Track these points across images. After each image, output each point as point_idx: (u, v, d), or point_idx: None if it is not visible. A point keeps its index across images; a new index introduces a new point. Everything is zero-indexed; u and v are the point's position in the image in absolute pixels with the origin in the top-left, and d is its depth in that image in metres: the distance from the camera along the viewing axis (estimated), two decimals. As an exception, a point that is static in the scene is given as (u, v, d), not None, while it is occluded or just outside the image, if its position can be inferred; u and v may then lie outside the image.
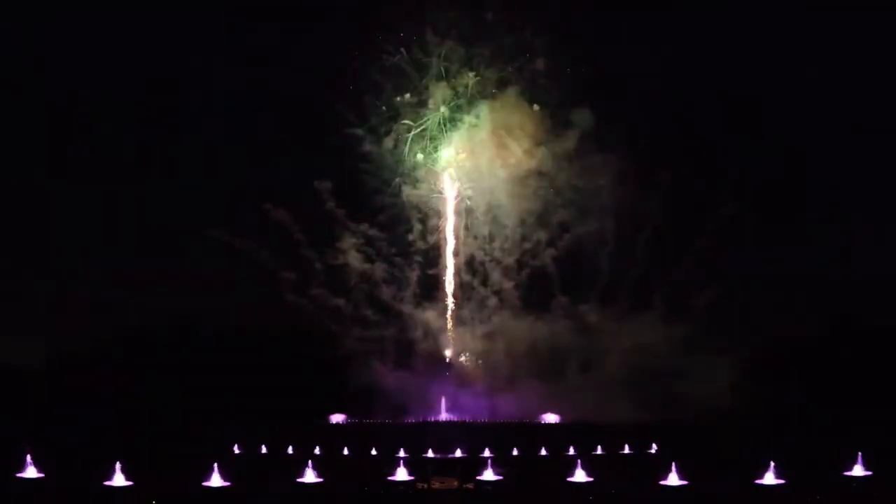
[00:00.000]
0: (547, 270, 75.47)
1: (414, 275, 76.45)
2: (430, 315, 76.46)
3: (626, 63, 70.33)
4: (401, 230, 76.18)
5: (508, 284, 75.82)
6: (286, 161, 72.24)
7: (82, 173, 74.96)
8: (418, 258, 76.49)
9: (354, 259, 75.20)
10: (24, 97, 72.61)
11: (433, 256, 77.05)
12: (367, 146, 74.68)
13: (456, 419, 67.03)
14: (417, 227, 76.39)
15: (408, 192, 75.37)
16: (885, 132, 72.54)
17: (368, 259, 75.65)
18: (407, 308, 76.20)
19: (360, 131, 74.37)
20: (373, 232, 75.52)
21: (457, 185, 76.70)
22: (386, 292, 75.86)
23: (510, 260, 75.96)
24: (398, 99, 74.74)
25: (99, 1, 72.97)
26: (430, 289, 76.94)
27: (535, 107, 74.09)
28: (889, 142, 73.14)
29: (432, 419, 66.63)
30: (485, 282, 76.43)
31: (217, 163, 75.19)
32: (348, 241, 75.02)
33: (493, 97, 74.79)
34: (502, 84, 74.63)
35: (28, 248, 74.54)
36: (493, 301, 76.23)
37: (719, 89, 73.44)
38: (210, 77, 74.99)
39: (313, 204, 73.53)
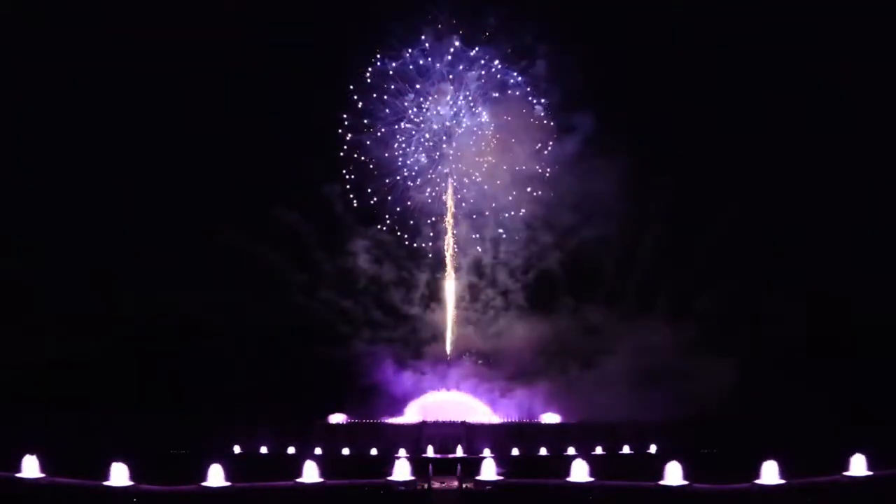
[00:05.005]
0: (553, 272, 76.07)
1: (422, 277, 77.09)
2: (437, 316, 77.07)
3: (627, 66, 70.73)
4: (409, 233, 76.89)
5: (515, 286, 76.41)
6: (296, 165, 72.65)
7: (87, 174, 75.04)
8: (427, 260, 77.30)
9: (363, 261, 75.87)
10: (32, 93, 72.95)
11: (440, 258, 77.64)
12: (374, 150, 75.34)
13: (457, 419, 67.05)
14: (425, 229, 77.08)
15: (413, 195, 75.99)
16: (887, 133, 72.52)
17: (377, 261, 76.31)
18: (415, 310, 76.78)
19: (365, 135, 75.06)
20: (381, 235, 76.27)
21: (461, 187, 77.19)
22: (394, 294, 76.52)
23: (516, 262, 76.58)
24: (402, 102, 75.24)
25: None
26: (438, 290, 77.61)
27: (538, 110, 74.58)
28: (890, 143, 73.15)
29: (433, 419, 66.56)
30: (492, 283, 77.04)
31: (226, 166, 75.64)
32: (358, 244, 75.72)
33: (495, 100, 75.23)
34: (505, 87, 75.11)
35: (30, 249, 74.46)
36: (498, 302, 76.83)
37: (720, 91, 73.62)
38: (215, 80, 75.00)
39: (323, 207, 74.63)
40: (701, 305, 71.25)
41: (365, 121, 75.32)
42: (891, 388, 61.56)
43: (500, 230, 76.94)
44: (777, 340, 71.11)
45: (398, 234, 76.77)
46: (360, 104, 74.87)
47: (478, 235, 77.34)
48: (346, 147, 75.49)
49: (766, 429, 57.89)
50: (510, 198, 76.00)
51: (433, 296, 77.75)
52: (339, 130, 75.07)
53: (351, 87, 74.56)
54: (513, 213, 76.37)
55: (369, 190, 75.73)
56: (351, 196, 75.52)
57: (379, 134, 75.40)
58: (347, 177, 75.65)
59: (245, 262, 73.43)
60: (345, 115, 75.09)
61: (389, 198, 76.04)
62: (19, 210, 74.45)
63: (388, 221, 76.44)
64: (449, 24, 73.56)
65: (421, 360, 76.02)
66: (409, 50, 74.46)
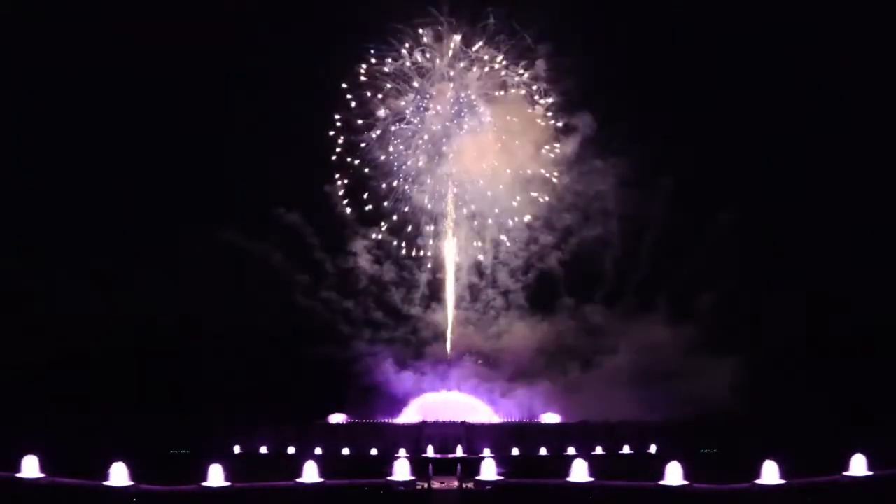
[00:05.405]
0: (553, 272, 76.06)
1: (423, 277, 77.09)
2: (437, 317, 77.10)
3: (627, 66, 70.73)
4: (409, 234, 76.93)
5: (515, 286, 76.41)
6: (296, 165, 72.65)
7: (87, 174, 75.09)
8: (428, 262, 77.29)
9: (364, 262, 75.90)
10: (34, 97, 72.97)
11: (441, 259, 77.60)
12: (374, 150, 75.34)
13: (457, 419, 67.10)
14: (426, 230, 77.09)
15: (414, 196, 75.98)
16: (887, 133, 72.52)
17: (378, 262, 76.36)
18: (415, 310, 76.79)
19: (366, 135, 75.09)
20: (382, 236, 76.27)
21: (461, 188, 77.17)
22: (395, 295, 76.54)
23: (517, 262, 76.54)
24: (402, 103, 75.21)
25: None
26: (439, 291, 77.63)
27: (538, 110, 74.56)
28: (890, 143, 73.13)
29: (433, 419, 66.66)
30: (493, 283, 77.01)
31: (226, 166, 75.56)
32: (359, 245, 75.73)
33: (495, 101, 75.22)
34: (505, 88, 75.08)
35: (30, 248, 74.45)
36: (499, 302, 76.86)
37: (721, 91, 73.62)
38: (215, 80, 74.96)
39: (323, 207, 74.71)
40: (701, 305, 71.27)
41: (364, 121, 75.36)
42: (891, 388, 61.55)
43: (500, 232, 76.94)
44: (777, 340, 71.13)
45: (399, 234, 76.84)
46: (360, 105, 74.94)
47: (479, 241, 77.36)
48: (346, 147, 75.56)
49: (766, 429, 57.91)
50: (514, 203, 76.06)
51: (433, 296, 77.78)
52: (334, 132, 75.18)
53: (351, 87, 74.63)
54: (515, 217, 76.43)
55: (369, 192, 75.84)
56: (350, 197, 75.55)
57: (376, 134, 75.45)
58: (346, 179, 75.69)
59: (245, 262, 73.47)
60: (344, 116, 75.15)
61: (389, 199, 76.07)
62: (19, 210, 74.49)
63: (383, 225, 76.49)
64: (449, 24, 73.62)
65: (421, 361, 76.03)
66: (409, 50, 74.47)
